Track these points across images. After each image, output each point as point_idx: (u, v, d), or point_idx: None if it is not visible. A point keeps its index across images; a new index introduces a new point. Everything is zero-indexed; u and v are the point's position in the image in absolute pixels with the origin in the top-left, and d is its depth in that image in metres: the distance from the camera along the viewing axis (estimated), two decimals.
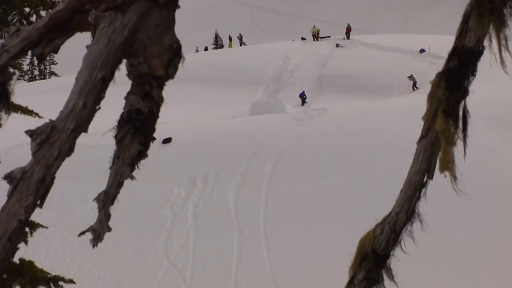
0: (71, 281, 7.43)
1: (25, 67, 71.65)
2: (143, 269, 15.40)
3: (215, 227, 16.76)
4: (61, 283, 7.27)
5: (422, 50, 43.84)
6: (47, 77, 74.04)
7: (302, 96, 36.66)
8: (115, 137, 2.33)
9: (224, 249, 15.79)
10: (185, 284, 14.83)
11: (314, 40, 52.58)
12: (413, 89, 35.83)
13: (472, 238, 14.81)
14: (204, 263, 15.36)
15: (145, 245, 16.23)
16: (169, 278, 15.06)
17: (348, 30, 52.41)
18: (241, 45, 61.47)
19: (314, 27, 54.21)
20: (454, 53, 3.07)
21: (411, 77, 36.80)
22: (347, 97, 35.17)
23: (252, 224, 16.72)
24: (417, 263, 11.17)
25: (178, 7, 2.50)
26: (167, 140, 21.71)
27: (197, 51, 70.41)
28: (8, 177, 2.21)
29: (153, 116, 2.38)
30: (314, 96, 38.23)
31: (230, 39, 63.17)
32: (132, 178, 2.35)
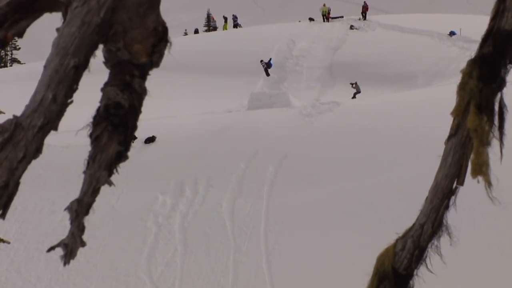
0: None
1: None
2: None
3: (207, 242, 16.77)
4: None
5: (451, 33, 43.89)
6: (8, 64, 74.03)
7: (269, 64, 36.50)
8: (90, 135, 2.34)
9: (218, 268, 15.80)
10: None
11: (324, 21, 52.65)
12: (352, 97, 35.06)
13: (510, 254, 14.81)
14: (194, 285, 15.36)
15: (125, 263, 16.23)
16: None
17: (365, 9, 52.43)
18: (235, 27, 61.40)
19: (324, 5, 54.19)
20: (489, 36, 3.07)
21: (355, 85, 35.68)
22: (363, 89, 35.20)
23: (251, 238, 16.73)
24: (446, 284, 11.18)
25: None
26: (150, 139, 21.72)
27: (185, 34, 70.44)
28: None
29: (135, 111, 2.39)
30: (324, 87, 38.26)
31: (225, 19, 63.12)
32: (110, 184, 2.36)
